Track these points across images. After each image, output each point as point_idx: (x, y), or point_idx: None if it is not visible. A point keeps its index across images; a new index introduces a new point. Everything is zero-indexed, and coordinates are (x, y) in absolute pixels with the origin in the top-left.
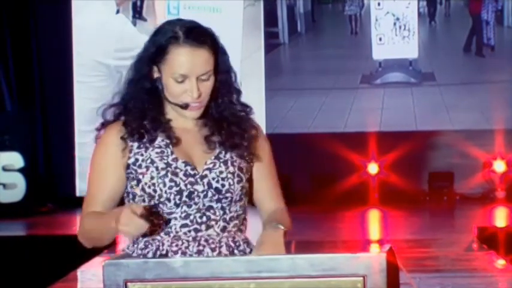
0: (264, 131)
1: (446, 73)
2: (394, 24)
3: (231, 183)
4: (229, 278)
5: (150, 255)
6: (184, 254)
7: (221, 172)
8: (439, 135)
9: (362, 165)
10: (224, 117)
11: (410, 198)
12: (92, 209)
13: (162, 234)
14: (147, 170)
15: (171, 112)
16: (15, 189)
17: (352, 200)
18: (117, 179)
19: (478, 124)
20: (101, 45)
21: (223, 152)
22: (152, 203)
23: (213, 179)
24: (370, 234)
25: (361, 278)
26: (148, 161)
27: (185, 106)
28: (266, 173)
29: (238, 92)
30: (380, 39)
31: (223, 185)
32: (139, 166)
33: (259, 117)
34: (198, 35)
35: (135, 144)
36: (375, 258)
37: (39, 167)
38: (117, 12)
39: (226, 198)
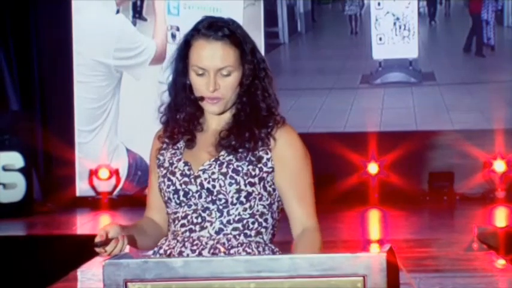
0: None
1: (446, 73)
2: (394, 24)
3: (222, 184)
4: (230, 278)
5: (151, 254)
6: (169, 255)
7: (213, 173)
8: (439, 135)
9: (362, 165)
10: (241, 118)
11: (410, 198)
12: (146, 211)
13: (169, 234)
14: (160, 170)
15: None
16: (15, 189)
17: (352, 200)
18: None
19: (478, 124)
20: (101, 45)
21: (225, 154)
22: (168, 203)
23: (205, 179)
24: (370, 234)
25: (361, 278)
26: (165, 161)
27: (200, 98)
28: (289, 180)
29: (265, 90)
30: (380, 39)
31: (214, 186)
32: (159, 166)
33: None
34: (217, 28)
35: (164, 145)
36: (375, 258)
37: (39, 167)
38: (117, 12)
39: (220, 200)
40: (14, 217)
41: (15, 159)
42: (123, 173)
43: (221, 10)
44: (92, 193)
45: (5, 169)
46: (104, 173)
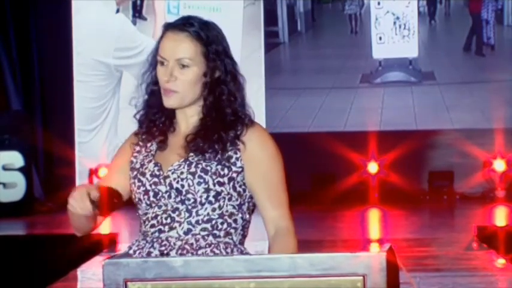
0: None
1: (446, 72)
2: (394, 23)
3: (190, 184)
4: (229, 278)
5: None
6: (139, 254)
7: (182, 173)
8: (439, 135)
9: (362, 164)
10: (207, 123)
11: (410, 197)
12: None
13: (139, 234)
14: (131, 172)
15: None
16: (15, 188)
17: (352, 199)
18: (120, 176)
19: (478, 123)
20: (100, 44)
21: (194, 155)
22: (139, 204)
23: (174, 179)
24: (370, 233)
25: (361, 278)
26: (137, 163)
27: (162, 91)
28: (260, 181)
29: (232, 94)
30: (380, 38)
31: (182, 186)
32: (131, 169)
33: (259, 116)
34: (187, 23)
35: (137, 148)
36: (374, 257)
37: (40, 167)
38: (117, 11)
39: (189, 200)
40: (14, 216)
41: (15, 158)
42: None
43: (221, 9)
44: None
45: (5, 168)
46: (103, 172)
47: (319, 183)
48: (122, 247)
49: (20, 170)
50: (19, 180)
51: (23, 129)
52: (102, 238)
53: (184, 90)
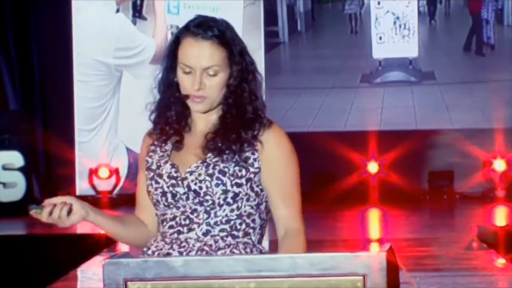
0: None
1: (446, 72)
2: (394, 23)
3: (208, 185)
4: (229, 277)
5: (140, 254)
6: (158, 255)
7: (200, 175)
8: (439, 134)
9: (362, 164)
10: (227, 120)
11: (410, 197)
12: (135, 210)
13: (158, 235)
14: (148, 172)
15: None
16: (15, 188)
17: (352, 199)
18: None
19: (478, 123)
20: (100, 44)
21: (212, 156)
22: (156, 205)
23: (192, 181)
24: (370, 233)
25: (361, 277)
26: (152, 164)
27: (186, 97)
28: (274, 181)
29: (253, 93)
30: (380, 38)
31: (200, 188)
32: (147, 169)
33: None
34: (207, 27)
35: (152, 147)
36: (374, 257)
37: (39, 166)
38: (117, 11)
39: (207, 201)
40: (14, 216)
41: (15, 158)
42: (123, 172)
43: (221, 9)
44: (92, 192)
45: (5, 168)
46: (103, 172)
47: (319, 183)
48: (122, 247)
49: (20, 169)
50: (19, 180)
51: (23, 129)
52: (102, 238)
53: (213, 96)
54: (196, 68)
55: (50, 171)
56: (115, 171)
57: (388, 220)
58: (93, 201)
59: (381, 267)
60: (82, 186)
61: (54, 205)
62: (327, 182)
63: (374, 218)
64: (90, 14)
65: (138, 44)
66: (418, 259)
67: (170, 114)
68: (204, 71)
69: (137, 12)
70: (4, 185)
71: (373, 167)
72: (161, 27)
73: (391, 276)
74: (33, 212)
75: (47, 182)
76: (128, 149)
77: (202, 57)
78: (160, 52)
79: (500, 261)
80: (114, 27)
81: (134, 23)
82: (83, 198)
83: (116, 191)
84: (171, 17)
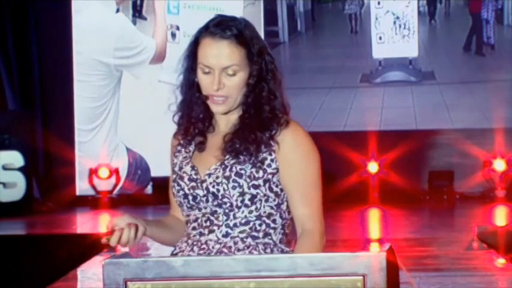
0: None
1: (446, 72)
2: (394, 23)
3: (225, 188)
4: (229, 277)
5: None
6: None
7: (217, 177)
8: (439, 134)
9: (362, 164)
10: (245, 120)
11: (410, 197)
12: (170, 209)
13: (185, 235)
14: (172, 174)
15: None
16: (15, 188)
17: (352, 199)
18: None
19: (478, 123)
20: (100, 44)
21: (230, 158)
22: (181, 207)
23: (210, 183)
24: (370, 233)
25: (361, 277)
26: (176, 165)
27: (206, 97)
28: (292, 181)
29: (272, 92)
30: (380, 38)
31: (218, 190)
32: (172, 170)
33: None
34: (225, 27)
35: (178, 147)
36: (374, 257)
37: (39, 166)
38: (117, 11)
39: (225, 203)
40: (14, 216)
41: (15, 158)
42: (123, 172)
43: (221, 9)
44: (91, 192)
45: (5, 168)
46: (103, 172)
47: None
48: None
49: (20, 169)
50: (19, 180)
51: (23, 129)
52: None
53: (233, 95)
54: (215, 67)
55: (50, 171)
56: (115, 171)
57: (388, 220)
58: (93, 201)
59: (381, 267)
60: (82, 186)
61: (122, 229)
62: (327, 181)
63: (374, 218)
64: (90, 14)
65: (138, 44)
66: (418, 259)
67: (193, 114)
68: (223, 71)
69: (137, 12)
70: (4, 185)
71: (373, 167)
72: (161, 27)
73: (391, 276)
74: (105, 239)
75: (47, 182)
76: (127, 149)
77: (220, 57)
78: (160, 52)
79: (500, 261)
80: (114, 27)
81: (134, 23)
82: (83, 198)
83: (115, 191)
84: (171, 17)
